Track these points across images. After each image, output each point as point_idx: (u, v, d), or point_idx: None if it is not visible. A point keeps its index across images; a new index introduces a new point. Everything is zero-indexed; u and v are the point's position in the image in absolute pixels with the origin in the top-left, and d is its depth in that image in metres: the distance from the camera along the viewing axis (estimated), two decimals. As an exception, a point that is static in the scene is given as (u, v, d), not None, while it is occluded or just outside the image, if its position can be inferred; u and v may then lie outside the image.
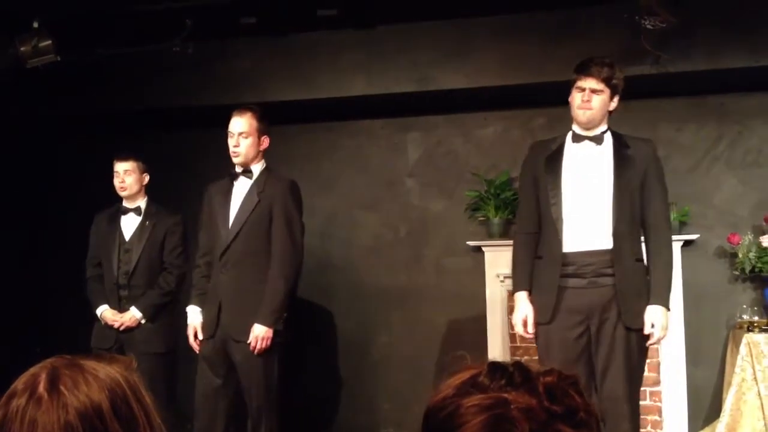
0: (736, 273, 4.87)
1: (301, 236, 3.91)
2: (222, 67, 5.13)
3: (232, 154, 3.84)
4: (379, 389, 5.41)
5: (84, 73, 5.06)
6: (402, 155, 5.51)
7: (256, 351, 3.70)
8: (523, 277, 3.37)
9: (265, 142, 3.91)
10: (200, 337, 3.85)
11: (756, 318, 4.70)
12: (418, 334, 5.36)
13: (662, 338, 3.25)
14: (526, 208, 3.42)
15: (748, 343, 4.50)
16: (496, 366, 1.00)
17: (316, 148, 5.60)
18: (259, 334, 3.70)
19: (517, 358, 4.99)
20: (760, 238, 4.68)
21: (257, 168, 3.90)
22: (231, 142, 3.83)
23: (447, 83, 4.92)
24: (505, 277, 5.03)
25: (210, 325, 3.81)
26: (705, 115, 5.03)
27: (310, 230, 5.53)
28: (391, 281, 5.43)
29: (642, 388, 4.51)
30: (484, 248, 5.18)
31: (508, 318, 5.06)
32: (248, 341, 3.71)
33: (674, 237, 4.76)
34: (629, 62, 4.52)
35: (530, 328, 3.32)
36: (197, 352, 3.88)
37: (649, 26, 4.15)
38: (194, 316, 3.90)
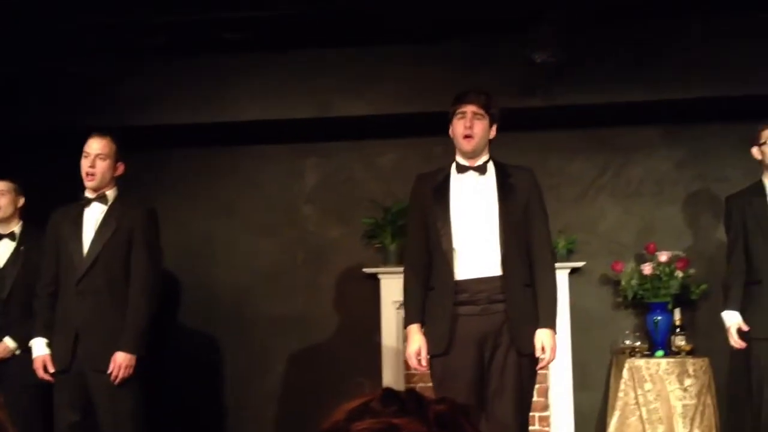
0: (620, 300, 5.08)
1: (161, 262, 3.84)
2: (118, 88, 5.00)
3: (85, 177, 3.71)
4: (274, 420, 5.33)
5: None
6: (300, 181, 5.50)
7: (117, 380, 3.57)
8: (414, 310, 3.38)
9: (121, 168, 3.81)
10: (50, 370, 3.67)
11: (638, 343, 4.89)
12: (314, 363, 5.33)
13: (551, 361, 3.33)
14: (415, 240, 3.46)
15: (631, 368, 4.69)
16: (389, 393, 1.00)
17: (213, 172, 5.51)
18: (122, 362, 3.58)
19: (412, 385, 5.05)
20: (642, 266, 4.89)
21: (111, 194, 3.79)
22: (86, 163, 3.71)
23: (347, 110, 4.96)
24: (401, 305, 5.07)
25: (64, 358, 3.64)
26: (592, 147, 5.26)
27: (205, 256, 5.47)
28: (287, 308, 5.38)
29: (531, 413, 4.64)
30: (380, 275, 5.22)
31: (404, 345, 5.10)
32: (110, 371, 3.58)
33: (562, 264, 4.97)
34: (521, 95, 4.71)
35: (423, 361, 3.35)
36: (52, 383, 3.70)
37: (539, 61, 4.31)
38: (41, 348, 3.71)
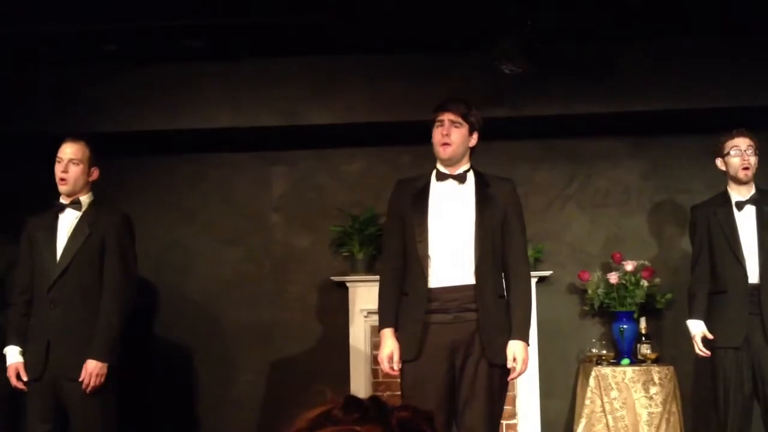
0: (586, 308, 5.12)
1: (135, 269, 3.78)
2: (83, 95, 4.94)
3: (59, 182, 3.67)
4: (240, 429, 5.27)
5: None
6: (267, 189, 5.47)
7: (89, 389, 3.51)
8: (388, 314, 3.38)
9: (95, 173, 3.76)
10: (24, 378, 3.61)
11: (604, 352, 4.93)
12: (281, 372, 5.29)
13: (522, 372, 3.33)
14: (391, 245, 3.45)
15: (597, 376, 4.72)
16: (351, 400, 0.99)
17: (178, 180, 5.47)
18: (93, 370, 3.52)
19: (380, 393, 5.03)
20: (608, 275, 4.93)
21: (86, 200, 3.74)
22: (59, 168, 3.67)
23: (314, 118, 4.95)
24: (369, 313, 5.07)
25: (36, 366, 3.58)
26: (558, 157, 5.30)
27: (169, 264, 5.41)
28: (254, 317, 5.34)
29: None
30: (348, 284, 5.20)
31: (372, 354, 5.09)
32: (81, 379, 3.52)
33: (531, 273, 4.98)
34: (489, 105, 4.72)
35: (395, 365, 3.34)
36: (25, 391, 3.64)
37: (506, 71, 4.34)
38: (14, 356, 3.65)
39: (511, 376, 3.30)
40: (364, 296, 5.08)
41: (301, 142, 5.31)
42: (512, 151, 5.25)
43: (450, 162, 3.37)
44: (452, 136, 3.33)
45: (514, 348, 3.26)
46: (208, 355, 5.34)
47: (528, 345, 3.33)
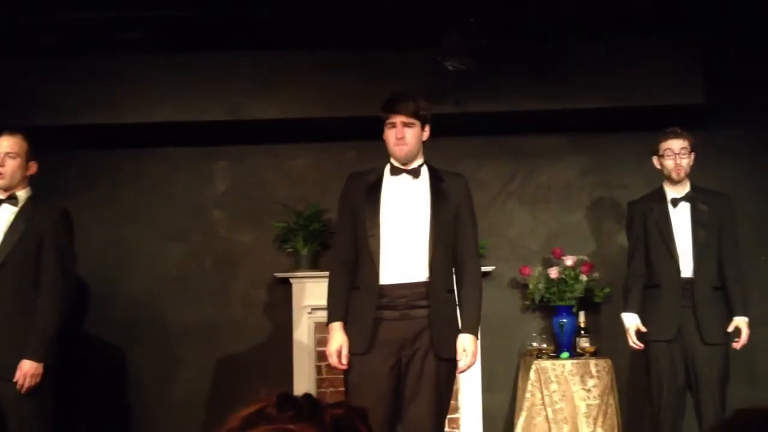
0: (528, 303, 5.20)
1: (73, 266, 3.70)
2: (20, 87, 4.82)
3: None
4: (180, 428, 5.21)
5: None
6: (210, 185, 5.41)
7: (24, 389, 3.42)
8: (338, 308, 3.37)
9: (33, 167, 3.66)
10: None
11: (544, 345, 5.02)
12: (223, 370, 5.24)
13: (471, 365, 3.36)
14: (343, 239, 3.44)
15: (537, 370, 4.80)
16: (285, 398, 0.99)
17: (118, 175, 5.37)
18: (28, 370, 3.43)
19: (323, 390, 5.03)
20: (549, 270, 5.01)
21: (23, 195, 3.64)
22: None
23: (258, 113, 4.91)
24: (312, 309, 5.06)
25: None
26: (502, 154, 5.36)
27: (108, 261, 5.31)
28: (196, 315, 5.28)
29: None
30: (291, 280, 5.17)
31: (316, 350, 5.09)
32: (15, 379, 3.43)
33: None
34: (433, 101, 4.75)
35: (344, 359, 3.33)
36: None
37: (450, 68, 4.37)
38: None
39: (460, 369, 3.32)
40: (308, 293, 5.07)
41: (244, 137, 5.27)
42: (456, 148, 5.28)
43: (405, 161, 3.38)
44: (406, 137, 3.33)
45: (464, 341, 3.29)
46: (148, 353, 5.26)
47: (477, 339, 3.36)
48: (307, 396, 1.00)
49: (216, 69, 4.87)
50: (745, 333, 3.88)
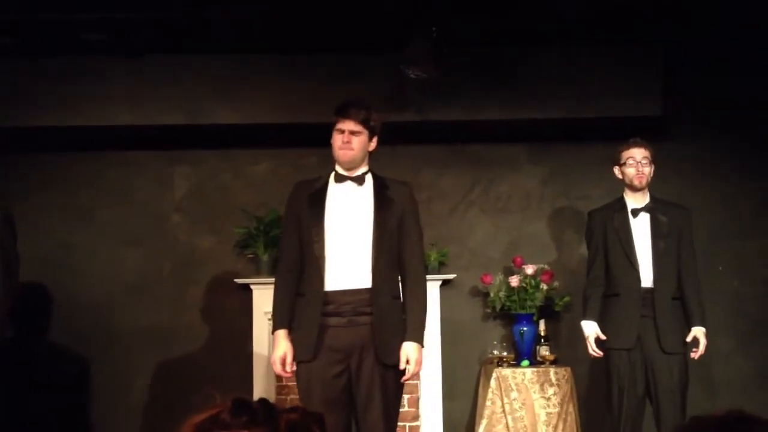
0: (488, 311, 5.21)
1: (16, 269, 3.62)
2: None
3: None
4: (137, 435, 5.13)
5: None
6: (169, 189, 5.34)
7: None
8: (282, 316, 3.37)
9: None
10: None
11: (505, 353, 5.03)
12: (181, 377, 5.16)
13: (416, 373, 3.36)
14: (287, 247, 3.44)
15: (498, 377, 4.81)
16: (239, 403, 0.98)
17: (74, 178, 5.27)
18: None
19: (283, 397, 4.99)
20: (510, 278, 5.04)
21: None
22: None
23: (218, 118, 4.87)
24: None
25: None
26: (462, 162, 5.38)
27: (64, 266, 5.21)
28: (154, 321, 5.20)
29: (402, 423, 4.68)
30: (252, 286, 5.13)
31: (275, 357, 5.04)
32: None
33: (434, 277, 5.05)
34: (394, 109, 4.76)
35: (288, 367, 3.32)
36: None
37: (412, 76, 4.38)
38: None
39: (404, 377, 3.31)
40: (268, 299, 4.96)
41: (205, 142, 5.22)
42: (417, 156, 5.30)
43: (349, 165, 3.38)
44: (352, 143, 3.34)
45: (407, 349, 3.28)
46: (104, 360, 5.16)
47: (422, 346, 3.35)
48: (262, 401, 0.98)
49: (175, 73, 4.82)
50: (702, 343, 3.93)
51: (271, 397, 4.94)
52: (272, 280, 4.93)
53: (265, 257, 5.12)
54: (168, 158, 5.32)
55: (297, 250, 3.37)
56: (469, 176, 5.38)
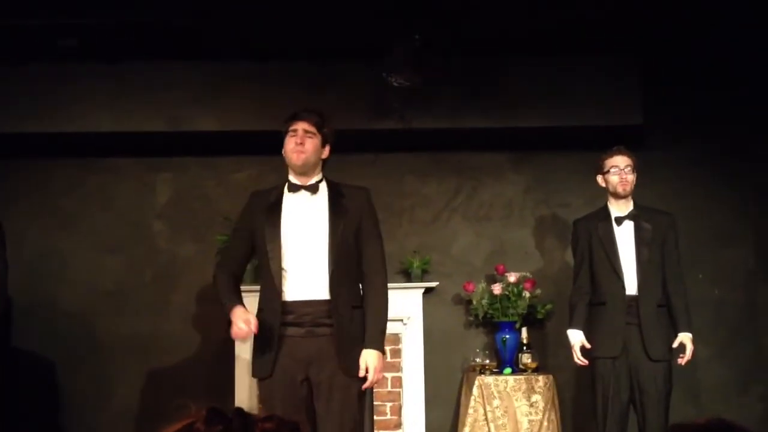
0: (471, 319, 5.21)
1: (5, 276, 3.58)
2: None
3: None
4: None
5: None
6: (151, 196, 5.31)
7: None
8: (229, 297, 3.28)
9: None
10: None
11: (487, 361, 5.03)
12: (161, 385, 5.13)
13: (376, 381, 3.30)
14: (230, 254, 3.46)
15: (480, 385, 4.81)
16: (214, 413, 0.97)
17: (54, 185, 5.23)
18: None
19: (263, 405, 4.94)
20: (492, 286, 5.04)
21: None
22: None
23: (199, 125, 4.86)
24: (254, 324, 4.99)
25: None
26: (445, 170, 5.39)
27: (44, 272, 5.17)
28: (134, 329, 5.16)
29: (384, 432, 4.67)
30: (234, 294, 5.10)
31: (257, 365, 5.01)
32: None
33: (417, 284, 5.05)
34: (378, 117, 4.77)
35: (253, 327, 3.17)
36: None
37: (395, 84, 4.38)
38: None
39: (365, 385, 3.25)
40: (250, 307, 4.95)
41: (187, 149, 5.19)
42: (400, 164, 5.30)
43: (302, 169, 3.33)
44: (306, 145, 3.30)
45: (366, 357, 3.22)
46: (83, 369, 5.12)
47: (383, 354, 3.29)
48: (237, 410, 0.98)
49: (157, 79, 4.80)
50: (689, 349, 3.95)
51: (253, 406, 4.93)
52: (254, 288, 4.91)
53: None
54: (150, 165, 5.30)
55: (239, 259, 3.40)
56: (451, 184, 5.39)
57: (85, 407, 5.11)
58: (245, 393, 5.01)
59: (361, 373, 3.23)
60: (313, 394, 3.24)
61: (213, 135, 4.91)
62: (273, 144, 5.05)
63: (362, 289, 3.33)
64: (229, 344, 5.08)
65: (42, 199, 5.18)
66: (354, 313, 3.27)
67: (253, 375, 3.28)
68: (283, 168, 5.16)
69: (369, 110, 4.66)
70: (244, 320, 3.16)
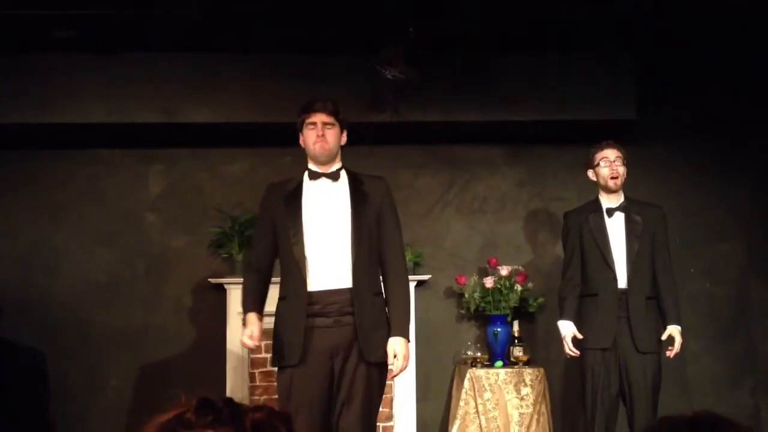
0: (463, 312, 5.23)
1: None
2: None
3: None
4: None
5: None
6: (143, 188, 5.29)
7: None
8: (249, 302, 3.33)
9: None
10: None
11: (479, 354, 5.05)
12: (154, 377, 5.12)
13: (404, 369, 3.32)
14: (259, 248, 3.42)
15: (471, 378, 4.83)
16: (204, 403, 0.97)
17: (46, 176, 5.21)
18: None
19: (256, 398, 4.96)
20: (484, 279, 5.05)
21: None
22: None
23: (193, 116, 4.84)
24: (247, 316, 4.99)
25: None
26: (439, 163, 5.39)
27: (35, 265, 5.15)
28: (127, 321, 5.15)
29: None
30: (226, 286, 5.10)
31: (249, 357, 5.02)
32: None
33: (409, 277, 5.04)
34: (372, 110, 4.76)
35: (256, 341, 3.27)
36: None
37: (389, 77, 4.38)
38: None
39: (392, 373, 3.29)
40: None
41: (180, 141, 5.18)
42: (394, 156, 5.30)
43: (326, 159, 3.35)
44: (327, 137, 3.32)
45: (394, 344, 3.25)
46: (74, 361, 5.11)
47: (408, 341, 3.33)
48: (227, 400, 0.98)
49: (150, 71, 4.78)
50: (678, 341, 3.96)
51: (244, 397, 4.93)
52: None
53: (239, 257, 5.09)
54: (142, 157, 5.28)
55: (267, 252, 3.37)
56: (445, 177, 5.39)
57: (77, 399, 5.10)
58: (237, 386, 5.01)
59: (390, 361, 3.25)
60: (336, 382, 3.25)
61: (206, 127, 4.90)
62: (266, 136, 5.08)
63: (382, 276, 3.35)
64: (221, 336, 5.08)
65: (34, 190, 5.17)
66: (375, 300, 3.30)
67: (277, 363, 3.29)
68: (275, 161, 5.21)
69: (363, 103, 4.65)
70: (248, 335, 3.25)
